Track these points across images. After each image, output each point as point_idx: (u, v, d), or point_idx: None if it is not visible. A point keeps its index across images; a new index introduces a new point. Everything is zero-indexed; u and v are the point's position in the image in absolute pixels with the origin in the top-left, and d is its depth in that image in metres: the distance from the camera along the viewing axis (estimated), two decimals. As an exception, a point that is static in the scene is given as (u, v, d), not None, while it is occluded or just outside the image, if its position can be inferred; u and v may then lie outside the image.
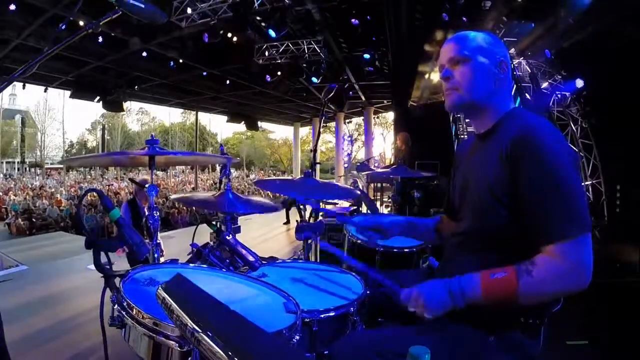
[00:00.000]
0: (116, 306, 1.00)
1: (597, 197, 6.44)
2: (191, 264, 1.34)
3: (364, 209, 4.35)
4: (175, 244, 4.45)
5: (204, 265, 1.34)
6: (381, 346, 1.04)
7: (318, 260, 1.82)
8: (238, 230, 1.95)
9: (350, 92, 13.69)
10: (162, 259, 1.62)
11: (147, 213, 1.62)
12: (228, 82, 13.09)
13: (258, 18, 7.64)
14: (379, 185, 6.36)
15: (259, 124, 22.69)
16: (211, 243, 1.39)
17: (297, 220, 2.03)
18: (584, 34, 5.13)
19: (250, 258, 1.36)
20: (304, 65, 10.07)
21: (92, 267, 1.07)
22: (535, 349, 1.07)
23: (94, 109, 40.20)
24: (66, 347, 2.87)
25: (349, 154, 20.18)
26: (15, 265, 5.82)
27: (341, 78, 11.37)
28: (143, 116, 40.83)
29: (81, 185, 23.59)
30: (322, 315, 1.19)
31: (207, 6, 7.62)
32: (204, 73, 12.05)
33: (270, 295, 1.19)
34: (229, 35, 8.07)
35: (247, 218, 9.44)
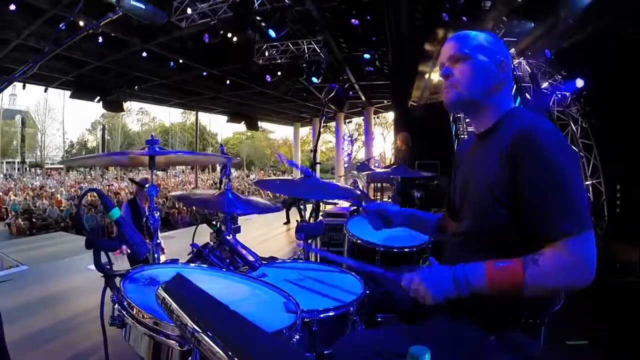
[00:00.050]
0: (116, 306, 1.00)
1: (597, 197, 6.44)
2: (191, 264, 1.35)
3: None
4: (175, 244, 4.45)
5: (204, 265, 1.34)
6: (381, 346, 1.04)
7: (318, 260, 1.82)
8: (238, 230, 1.95)
9: (351, 92, 13.68)
10: (163, 257, 1.62)
11: (147, 213, 1.62)
12: (228, 82, 13.09)
13: (258, 18, 7.64)
14: (379, 185, 6.37)
15: (259, 124, 22.69)
16: (211, 243, 1.39)
17: (297, 220, 2.04)
18: (584, 34, 5.13)
19: (250, 258, 1.37)
20: (304, 65, 10.07)
21: (93, 267, 1.07)
22: (535, 349, 1.07)
23: (94, 109, 40.26)
24: (66, 347, 2.87)
25: (349, 154, 20.18)
26: (16, 266, 5.82)
27: (341, 78, 11.37)
28: (143, 116, 40.89)
29: (81, 185, 23.59)
30: (322, 315, 1.20)
31: (207, 6, 7.62)
32: (204, 73, 12.05)
33: (270, 295, 1.19)
34: (229, 35, 8.07)
35: (247, 218, 9.44)
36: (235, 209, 1.79)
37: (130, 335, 0.96)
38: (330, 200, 5.64)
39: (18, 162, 33.78)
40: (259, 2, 7.28)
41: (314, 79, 10.47)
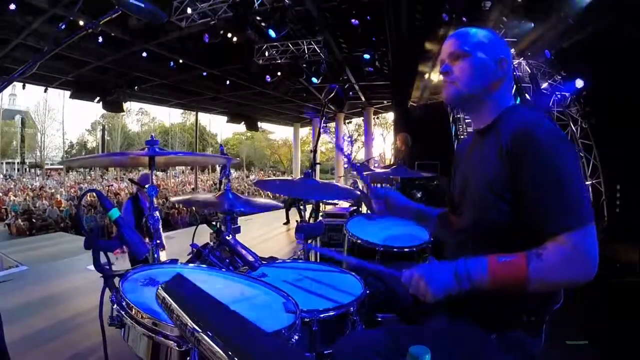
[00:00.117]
0: (115, 306, 1.00)
1: (597, 197, 6.44)
2: (191, 264, 1.34)
3: (363, 209, 4.35)
4: (175, 244, 4.45)
5: (204, 265, 1.34)
6: (381, 346, 1.04)
7: (318, 260, 1.82)
8: (238, 230, 1.94)
9: (350, 93, 13.68)
10: (163, 253, 1.62)
11: (147, 212, 1.62)
12: (228, 82, 13.09)
13: (258, 18, 7.64)
14: (379, 185, 6.36)
15: (259, 124, 22.69)
16: (211, 243, 1.39)
17: (297, 220, 2.04)
18: (584, 34, 5.13)
19: (250, 258, 1.36)
20: (304, 65, 10.07)
21: (92, 267, 1.07)
22: (536, 348, 1.06)
23: (94, 110, 40.20)
24: (66, 347, 2.87)
25: (349, 154, 20.18)
26: (15, 266, 5.82)
27: (341, 78, 11.36)
28: (143, 117, 40.89)
29: (81, 185, 23.62)
30: (322, 315, 1.19)
31: (207, 6, 7.62)
32: (204, 73, 12.04)
33: (270, 295, 1.19)
34: (229, 35, 8.06)
35: (247, 218, 9.44)
36: (236, 207, 1.79)
37: (129, 335, 0.96)
38: (330, 201, 5.64)
39: (18, 163, 33.78)
40: (259, 2, 7.28)
41: (314, 79, 10.47)
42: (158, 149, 1.56)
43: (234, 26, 7.77)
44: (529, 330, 1.05)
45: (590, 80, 5.85)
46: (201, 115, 21.79)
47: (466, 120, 7.29)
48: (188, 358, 0.86)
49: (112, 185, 23.11)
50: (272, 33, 7.63)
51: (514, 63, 6.20)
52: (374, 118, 21.02)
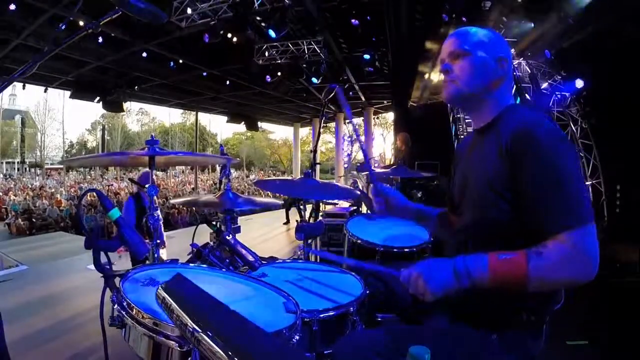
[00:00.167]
0: (116, 306, 1.00)
1: (597, 197, 6.44)
2: (191, 264, 1.34)
3: (364, 209, 4.35)
4: (175, 244, 4.44)
5: (204, 265, 1.34)
6: (381, 346, 1.04)
7: (318, 260, 1.82)
8: (238, 230, 1.94)
9: (350, 93, 13.68)
10: (164, 250, 1.62)
11: (147, 212, 1.62)
12: (228, 82, 13.09)
13: (258, 18, 7.64)
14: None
15: (259, 124, 22.69)
16: (211, 243, 1.39)
17: (297, 220, 2.04)
18: (584, 34, 5.13)
19: (250, 258, 1.37)
20: (304, 65, 10.06)
21: (92, 267, 1.07)
22: (536, 348, 1.06)
23: (94, 109, 40.29)
24: (66, 347, 2.87)
25: (349, 155, 20.18)
26: (15, 265, 5.82)
27: (341, 78, 11.36)
28: (143, 116, 40.89)
29: (81, 185, 23.60)
30: (322, 315, 1.19)
31: (207, 6, 7.62)
32: (204, 73, 12.04)
33: (270, 295, 1.19)
34: (229, 35, 8.06)
35: (247, 218, 9.45)
36: (236, 207, 1.80)
37: (130, 335, 0.96)
38: (330, 201, 5.64)
39: (18, 162, 33.78)
40: (259, 2, 7.27)
41: (314, 79, 10.47)
42: (158, 149, 1.56)
43: (234, 26, 7.76)
44: (530, 330, 1.05)
45: (590, 80, 5.85)
46: (201, 115, 21.81)
47: (466, 120, 7.30)
48: (189, 358, 0.86)
49: (112, 184, 23.10)
50: (272, 33, 7.62)
51: (514, 63, 6.20)
52: (374, 118, 21.02)
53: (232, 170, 2.02)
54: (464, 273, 0.96)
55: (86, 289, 4.12)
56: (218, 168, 2.46)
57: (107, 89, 12.91)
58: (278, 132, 40.06)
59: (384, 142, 27.42)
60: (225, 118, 19.00)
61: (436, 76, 7.43)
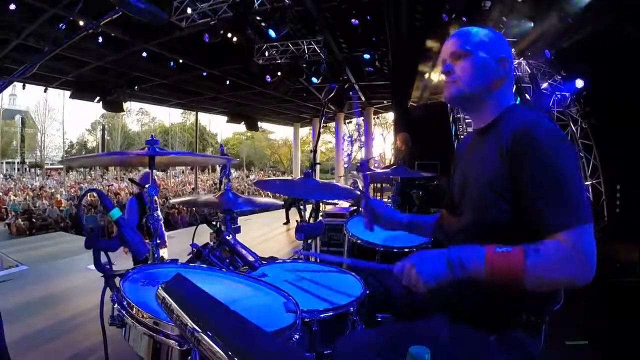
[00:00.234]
0: (116, 305, 1.00)
1: (597, 197, 6.44)
2: (191, 264, 1.35)
3: (364, 209, 4.34)
4: (175, 244, 4.44)
5: (204, 265, 1.34)
6: (381, 346, 1.04)
7: (318, 261, 1.82)
8: (238, 230, 1.95)
9: (351, 93, 13.68)
10: (165, 250, 1.63)
11: (147, 212, 1.62)
12: (228, 82, 13.08)
13: (258, 18, 7.64)
14: (379, 185, 6.36)
15: (259, 124, 22.69)
16: (211, 243, 1.40)
17: (297, 220, 2.04)
18: (584, 34, 5.13)
19: (250, 258, 1.37)
20: (304, 65, 10.07)
21: (92, 267, 1.07)
22: (536, 348, 1.06)
23: (94, 109, 40.33)
24: (66, 347, 2.87)
25: (349, 154, 20.18)
26: (15, 265, 5.82)
27: (341, 78, 11.36)
28: (143, 116, 40.90)
29: (81, 185, 23.60)
30: (322, 315, 1.20)
31: (207, 6, 7.62)
32: (204, 73, 12.04)
33: (270, 295, 1.19)
34: (229, 35, 8.06)
35: (247, 218, 9.45)
36: (236, 207, 1.80)
37: (130, 335, 0.96)
38: (330, 201, 5.64)
39: (18, 162, 33.79)
40: (259, 2, 7.27)
41: (314, 79, 10.47)
42: (158, 149, 1.56)
43: (234, 26, 7.76)
44: (529, 330, 1.05)
45: (590, 80, 5.85)
46: (201, 115, 21.80)
47: (466, 120, 7.30)
48: (189, 357, 0.86)
49: (112, 185, 23.10)
50: (272, 33, 7.62)
51: (514, 63, 6.19)
52: (374, 118, 21.02)
53: (232, 170, 2.02)
54: (457, 264, 0.96)
55: (86, 289, 4.12)
56: (218, 168, 2.46)
57: (107, 89, 12.91)
58: (278, 132, 40.13)
59: (384, 142, 27.43)
60: (225, 118, 19.00)
61: (436, 76, 7.44)
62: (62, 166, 33.19)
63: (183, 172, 34.42)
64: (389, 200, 6.03)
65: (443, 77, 1.18)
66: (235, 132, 41.38)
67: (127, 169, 26.47)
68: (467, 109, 1.24)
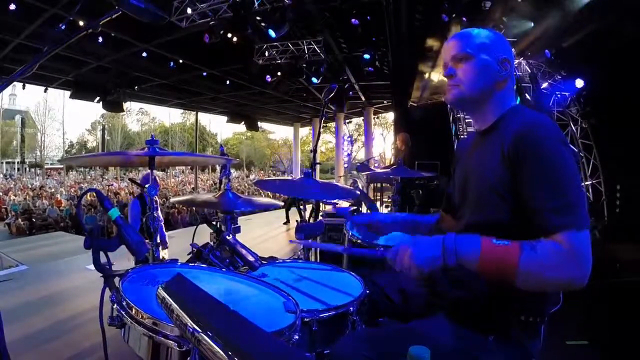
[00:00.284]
0: (115, 306, 1.00)
1: (597, 197, 6.45)
2: (191, 264, 1.34)
3: (364, 209, 4.35)
4: (175, 244, 4.44)
5: (204, 265, 1.34)
6: (381, 346, 1.04)
7: (318, 260, 1.82)
8: (238, 230, 1.95)
9: (350, 92, 13.68)
10: (166, 251, 1.63)
11: (156, 206, 1.62)
12: (228, 82, 13.09)
13: (258, 18, 7.64)
14: (379, 185, 6.37)
15: (259, 124, 22.69)
16: (211, 243, 1.40)
17: (297, 220, 2.04)
18: (583, 33, 5.13)
19: (250, 258, 1.37)
20: (304, 65, 10.07)
21: (92, 267, 1.07)
22: (535, 348, 1.06)
23: (94, 109, 40.26)
24: (66, 347, 2.87)
25: (349, 154, 20.19)
26: (15, 265, 5.82)
27: (341, 78, 11.36)
28: (143, 116, 40.88)
29: (81, 185, 23.61)
30: (322, 315, 1.19)
31: (207, 6, 7.62)
32: (204, 73, 12.04)
33: (270, 295, 1.19)
34: (229, 35, 8.06)
35: (247, 218, 9.44)
36: (236, 207, 1.80)
37: (130, 335, 0.96)
38: (330, 200, 5.64)
39: (18, 162, 33.79)
40: (259, 2, 7.27)
41: (314, 79, 10.47)
42: (158, 149, 1.56)
43: (234, 26, 7.76)
44: (528, 331, 1.05)
45: (590, 80, 5.85)
46: (201, 115, 21.80)
47: (466, 120, 7.31)
48: (189, 358, 0.86)
49: (112, 184, 23.11)
50: (272, 33, 7.62)
51: (514, 63, 6.19)
52: (374, 118, 21.02)
53: (232, 170, 2.02)
54: (452, 250, 0.96)
55: (86, 289, 4.12)
56: (218, 168, 2.46)
57: (107, 89, 12.90)
58: (278, 132, 40.12)
59: (384, 142, 27.41)
60: (225, 118, 18.99)
61: (436, 76, 7.44)
62: (62, 166, 33.20)
63: (183, 172, 34.42)
64: (389, 200, 6.04)
65: (444, 78, 1.18)
66: (235, 132, 41.42)
67: (127, 169, 26.49)
68: (468, 111, 1.24)
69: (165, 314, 0.60)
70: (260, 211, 10.11)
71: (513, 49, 6.01)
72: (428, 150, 6.47)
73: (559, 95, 6.48)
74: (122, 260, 1.23)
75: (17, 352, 2.57)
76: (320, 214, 3.59)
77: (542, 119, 1.03)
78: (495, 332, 1.04)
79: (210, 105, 18.56)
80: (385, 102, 16.30)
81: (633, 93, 5.06)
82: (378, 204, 5.94)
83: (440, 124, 7.66)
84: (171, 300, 0.59)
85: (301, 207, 2.20)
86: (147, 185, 1.63)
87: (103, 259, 1.09)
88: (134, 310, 0.95)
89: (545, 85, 6.54)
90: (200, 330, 0.52)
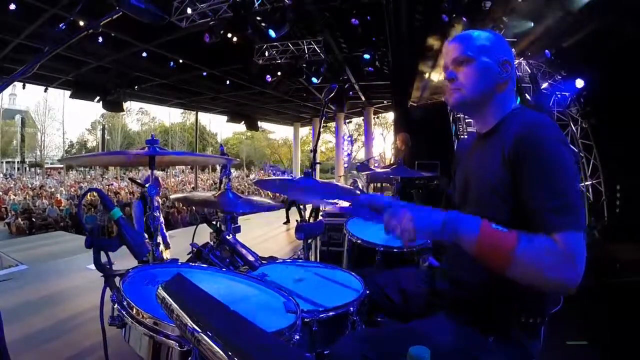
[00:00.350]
0: (116, 305, 1.00)
1: (597, 197, 6.45)
2: (191, 264, 1.35)
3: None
4: (175, 244, 4.44)
5: (204, 265, 1.34)
6: (381, 346, 1.04)
7: (318, 260, 1.82)
8: (238, 230, 1.95)
9: (350, 92, 13.67)
10: (168, 252, 1.63)
11: (156, 206, 1.62)
12: (228, 82, 13.09)
13: (258, 18, 7.64)
14: (379, 185, 6.37)
15: (259, 124, 22.69)
16: (211, 243, 1.40)
17: (297, 220, 2.04)
18: (583, 33, 5.13)
19: (250, 258, 1.37)
20: (304, 65, 10.07)
21: (92, 266, 1.07)
22: (535, 349, 1.07)
23: (94, 109, 40.26)
24: (66, 347, 2.87)
25: (349, 154, 20.19)
26: (15, 265, 5.82)
27: (341, 78, 11.36)
28: (143, 116, 40.88)
29: (81, 185, 23.61)
30: (322, 315, 1.19)
31: (207, 6, 7.62)
32: (204, 73, 12.04)
33: (270, 295, 1.20)
34: (229, 35, 8.06)
35: (247, 218, 9.42)
36: (236, 208, 1.79)
37: (130, 335, 0.96)
38: (329, 200, 5.63)
39: (18, 162, 33.79)
40: (259, 2, 7.27)
41: (314, 79, 10.47)
42: (158, 149, 1.56)
43: (234, 26, 7.76)
44: (527, 331, 1.05)
45: (591, 80, 5.85)
46: (201, 115, 21.80)
47: (466, 120, 7.31)
48: (189, 358, 0.86)
49: (112, 184, 23.11)
50: (272, 33, 7.62)
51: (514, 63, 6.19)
52: (374, 118, 21.02)
53: (232, 170, 2.02)
54: (451, 226, 0.96)
55: (86, 289, 4.12)
56: (218, 168, 2.46)
57: (107, 89, 12.90)
58: (278, 132, 40.13)
59: (384, 142, 27.42)
60: (225, 118, 18.99)
61: (436, 76, 7.44)
62: (62, 165, 33.20)
63: (183, 171, 34.43)
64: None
65: (444, 79, 1.18)
66: (235, 132, 41.44)
67: (127, 169, 26.49)
68: (470, 114, 1.24)
69: (166, 314, 0.60)
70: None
71: (513, 49, 6.03)
72: (428, 150, 6.47)
73: (559, 96, 6.48)
74: (123, 260, 1.24)
75: (17, 352, 2.57)
76: (320, 213, 3.59)
77: (542, 119, 1.03)
78: (495, 332, 1.04)
79: (210, 105, 18.56)
80: (385, 102, 16.30)
81: (633, 93, 5.05)
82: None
83: (440, 124, 7.66)
84: (171, 300, 0.59)
85: (301, 206, 2.20)
86: (147, 185, 1.63)
87: (104, 258, 1.09)
88: (134, 310, 0.95)
89: (545, 85, 6.54)
90: (200, 330, 0.52)
